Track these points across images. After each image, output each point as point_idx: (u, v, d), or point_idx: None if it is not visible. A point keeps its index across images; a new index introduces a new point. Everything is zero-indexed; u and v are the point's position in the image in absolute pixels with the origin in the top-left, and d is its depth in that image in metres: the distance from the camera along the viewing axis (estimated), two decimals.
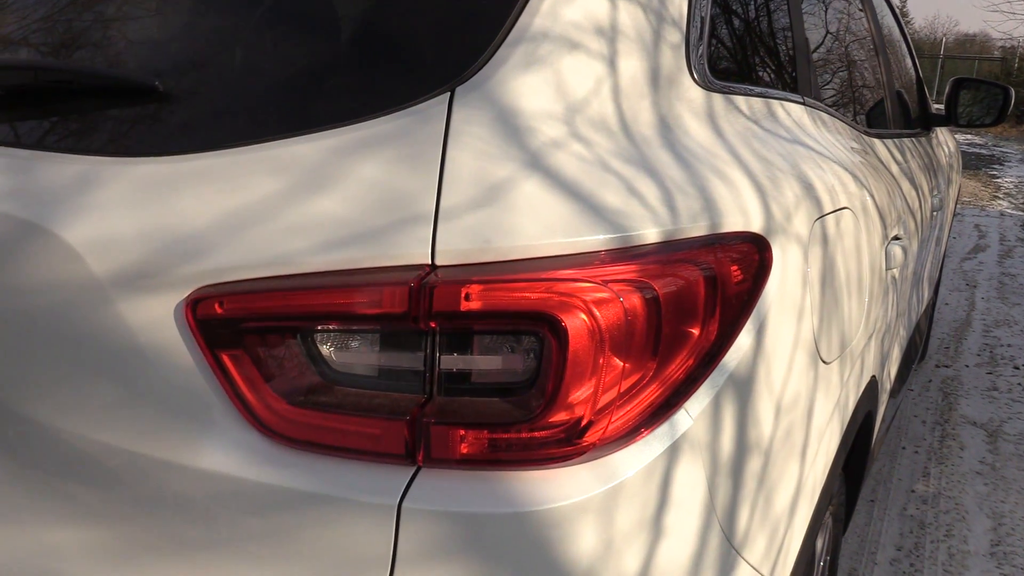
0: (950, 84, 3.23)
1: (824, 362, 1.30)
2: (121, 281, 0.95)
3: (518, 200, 0.91)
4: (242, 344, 0.93)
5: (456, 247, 0.88)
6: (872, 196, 1.64)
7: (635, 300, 0.92)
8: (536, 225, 0.90)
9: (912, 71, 3.24)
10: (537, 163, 0.93)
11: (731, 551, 1.06)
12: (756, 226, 1.11)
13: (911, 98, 3.00)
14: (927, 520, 2.81)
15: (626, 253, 0.94)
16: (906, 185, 2.21)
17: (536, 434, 0.89)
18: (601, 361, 0.90)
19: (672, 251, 0.97)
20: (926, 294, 3.05)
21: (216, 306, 0.93)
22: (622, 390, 0.92)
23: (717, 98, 1.25)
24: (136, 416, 0.97)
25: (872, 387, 1.69)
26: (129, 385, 0.97)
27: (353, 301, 0.89)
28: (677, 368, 0.97)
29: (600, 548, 0.91)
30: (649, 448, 0.94)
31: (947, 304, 5.19)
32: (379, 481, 0.90)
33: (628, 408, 0.93)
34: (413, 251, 0.89)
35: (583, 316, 0.88)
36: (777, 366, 1.12)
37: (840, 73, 2.13)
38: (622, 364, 0.92)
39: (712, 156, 1.14)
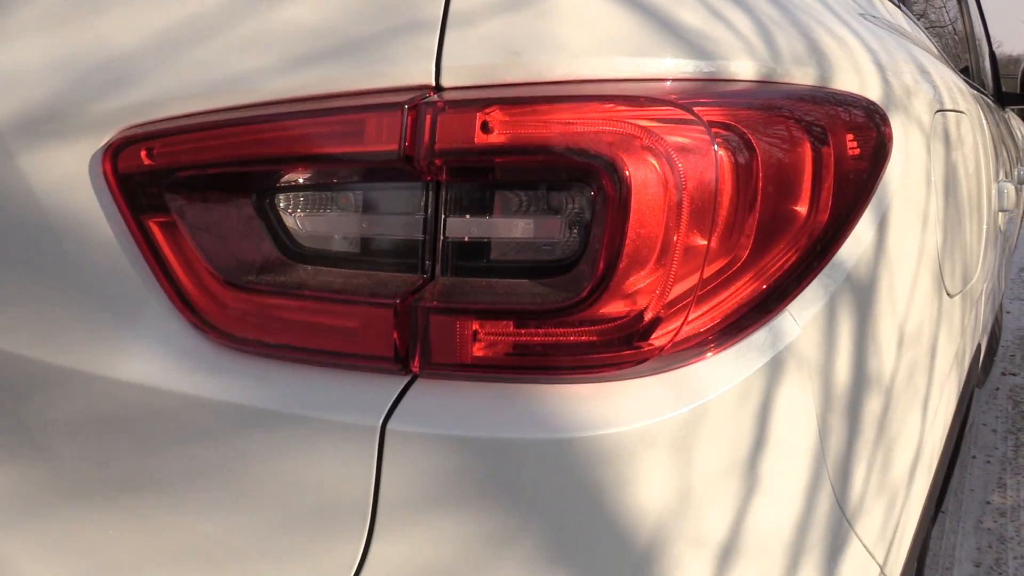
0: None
1: (948, 294, 1.01)
2: (22, 128, 0.70)
3: (560, 2, 0.64)
4: (176, 207, 0.67)
5: (470, 61, 0.62)
6: (984, 120, 1.36)
7: (724, 152, 0.64)
8: (585, 36, 0.63)
9: (987, 45, 2.98)
10: None
11: (843, 522, 0.77)
12: (873, 94, 0.83)
13: (990, 70, 2.74)
14: (1007, 534, 2.48)
15: (712, 88, 0.67)
16: (999, 142, 1.92)
17: (580, 331, 0.62)
18: (675, 234, 0.62)
19: (773, 96, 0.70)
20: (1003, 284, 2.74)
21: (143, 155, 0.67)
22: (704, 277, 0.65)
23: None
24: (41, 313, 0.71)
25: (977, 357, 1.39)
26: (33, 271, 0.71)
27: (325, 138, 0.63)
28: (779, 256, 0.69)
29: (672, 499, 0.63)
30: (742, 361, 0.66)
31: (1008, 312, 4.86)
32: (357, 394, 0.63)
33: (712, 303, 0.65)
34: (410, 67, 0.62)
35: (653, 163, 0.61)
36: (901, 279, 0.84)
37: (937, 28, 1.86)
38: (704, 241, 0.64)
39: (816, 9, 0.87)
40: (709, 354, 0.65)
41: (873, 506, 0.83)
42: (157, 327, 0.68)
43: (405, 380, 0.63)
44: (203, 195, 0.67)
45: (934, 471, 1.02)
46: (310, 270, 0.65)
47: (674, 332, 0.63)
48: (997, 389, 3.66)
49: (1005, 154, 2.06)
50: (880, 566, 0.88)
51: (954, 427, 1.14)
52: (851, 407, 0.76)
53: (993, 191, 1.37)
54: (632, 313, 0.62)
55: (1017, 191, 2.69)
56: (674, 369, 0.64)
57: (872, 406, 0.80)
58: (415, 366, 0.62)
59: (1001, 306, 3.49)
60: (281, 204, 0.66)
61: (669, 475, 0.62)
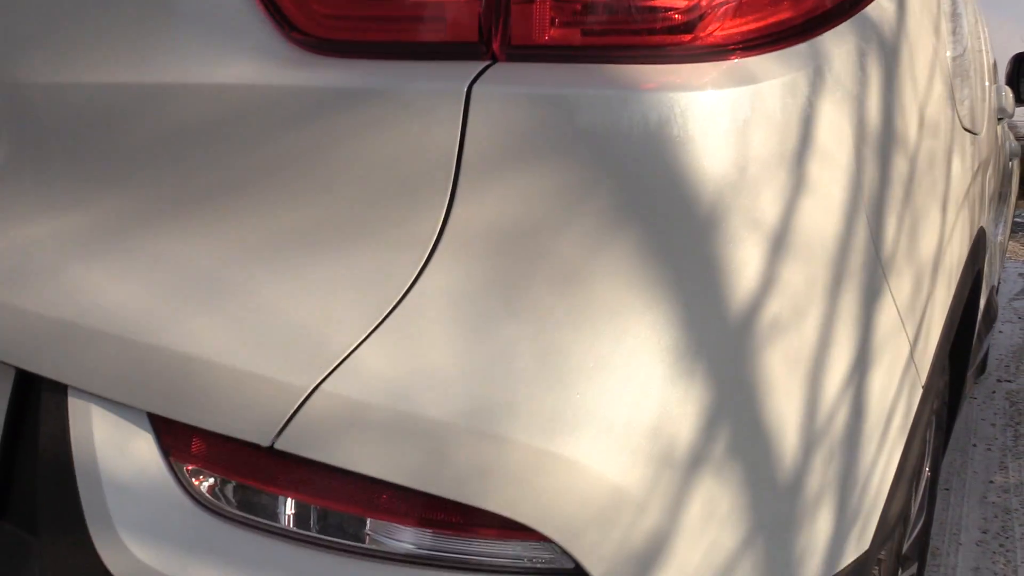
0: (1011, 61, 3.11)
1: (961, 123, 1.09)
2: None
3: None
4: None
5: None
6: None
7: None
8: None
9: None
10: None
11: (878, 266, 0.83)
12: None
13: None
14: (1012, 506, 2.51)
15: None
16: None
17: (647, 16, 0.69)
18: None
19: None
20: (998, 269, 2.82)
21: None
22: None
23: None
24: (134, 40, 0.77)
25: (981, 240, 1.45)
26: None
27: None
28: None
29: (731, 171, 0.68)
30: (789, 64, 0.73)
31: (1001, 332, 4.95)
32: (442, 70, 0.69)
33: (760, 13, 0.73)
34: None
35: None
36: (921, 71, 0.91)
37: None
38: None
39: None
40: (759, 53, 0.72)
41: (904, 270, 0.88)
42: (250, 35, 0.74)
43: (487, 62, 0.69)
44: None
45: (953, 292, 1.08)
46: None
47: (728, 28, 0.70)
48: (994, 392, 3.72)
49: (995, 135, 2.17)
50: (911, 344, 0.93)
51: (964, 283, 1.20)
52: (882, 155, 0.82)
53: (993, 95, 1.47)
54: (691, 5, 0.69)
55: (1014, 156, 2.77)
56: (729, 59, 0.71)
57: (900, 166, 0.86)
58: (496, 47, 0.69)
59: (995, 288, 3.53)
60: None
61: (727, 146, 0.68)
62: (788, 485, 0.76)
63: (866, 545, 0.91)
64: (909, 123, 0.88)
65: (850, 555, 0.88)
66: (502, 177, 0.67)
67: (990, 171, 1.48)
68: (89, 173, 0.81)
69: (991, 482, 2.70)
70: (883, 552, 1.04)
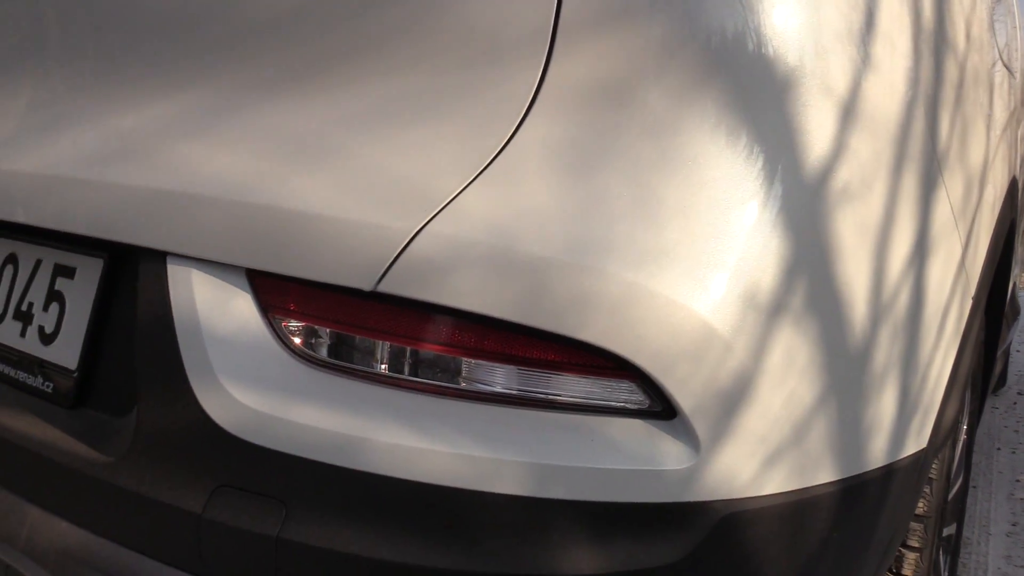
0: None
1: (1000, 53, 1.14)
2: None
3: None
4: None
5: None
6: None
7: None
8: None
9: None
10: None
11: (934, 158, 0.87)
12: None
13: None
14: None
15: None
16: None
17: None
18: None
19: None
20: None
21: None
22: None
23: None
24: None
25: (1015, 189, 1.49)
26: None
27: None
28: None
29: (807, 39, 0.73)
30: None
31: (1018, 351, 4.98)
32: None
33: None
34: None
35: None
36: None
37: None
38: None
39: None
40: None
41: (957, 170, 0.93)
42: None
43: None
44: None
45: (996, 219, 1.12)
46: None
47: None
48: (1015, 404, 3.73)
49: None
50: (962, 248, 0.97)
51: (1003, 220, 1.24)
52: (936, 55, 0.87)
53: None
54: None
55: None
56: None
57: (951, 70, 0.91)
58: None
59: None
60: None
61: (804, 12, 0.73)
62: (858, 353, 0.80)
63: (924, 443, 0.94)
64: (958, 33, 0.94)
65: (910, 447, 0.91)
66: (597, 36, 0.72)
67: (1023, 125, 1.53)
68: (197, 52, 0.86)
69: (1017, 481, 2.70)
70: (935, 465, 1.06)
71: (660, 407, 0.71)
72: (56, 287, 0.96)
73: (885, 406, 0.84)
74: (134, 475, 0.78)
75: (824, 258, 0.76)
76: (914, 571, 1.05)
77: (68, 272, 0.95)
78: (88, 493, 0.81)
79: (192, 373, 0.76)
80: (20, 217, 0.94)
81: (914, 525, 1.05)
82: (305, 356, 0.76)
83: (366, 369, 0.74)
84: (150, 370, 0.79)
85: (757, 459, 0.73)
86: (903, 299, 0.85)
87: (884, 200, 0.82)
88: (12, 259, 1.03)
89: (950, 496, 1.38)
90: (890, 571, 1.05)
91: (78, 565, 0.80)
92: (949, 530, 1.47)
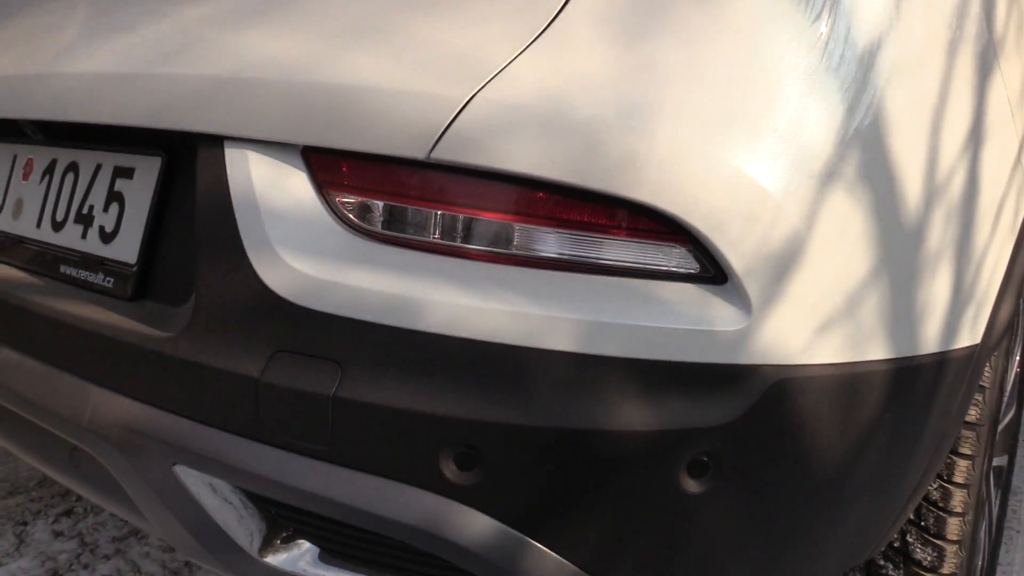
0: None
1: None
2: None
3: None
4: None
5: None
6: None
7: None
8: None
9: None
10: None
11: (991, 44, 0.86)
12: None
13: None
14: None
15: None
16: None
17: None
18: None
19: None
20: None
21: None
22: None
23: None
24: None
25: None
26: None
27: None
28: None
29: None
30: None
31: None
32: None
33: None
34: None
35: None
36: None
37: None
38: None
39: None
40: None
41: (1014, 60, 0.91)
42: None
43: None
44: None
45: None
46: None
47: None
48: None
49: None
50: (1019, 144, 0.95)
51: None
52: None
53: None
54: None
55: None
56: None
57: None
58: None
59: None
60: None
61: None
62: (911, 230, 0.79)
63: (977, 338, 0.92)
64: None
65: (963, 340, 0.90)
66: None
67: None
68: None
69: None
70: (988, 373, 1.05)
71: (712, 272, 0.72)
72: (116, 188, 0.99)
73: (938, 290, 0.83)
74: (194, 347, 0.80)
75: (877, 130, 0.75)
76: (965, 479, 1.03)
77: (127, 173, 0.98)
78: (148, 369, 0.83)
79: (250, 246, 0.78)
80: (78, 116, 0.96)
81: (966, 432, 1.04)
82: (359, 228, 0.77)
83: (420, 238, 0.75)
84: (209, 247, 0.81)
85: (809, 327, 0.73)
86: (957, 182, 0.84)
87: (939, 79, 0.81)
88: (73, 167, 1.06)
89: (1001, 425, 1.36)
90: (940, 477, 1.04)
91: (141, 437, 0.83)
92: (1000, 461, 1.44)
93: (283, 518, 0.83)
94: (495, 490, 0.71)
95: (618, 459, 0.69)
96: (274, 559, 0.82)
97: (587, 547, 0.73)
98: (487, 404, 0.69)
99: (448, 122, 0.72)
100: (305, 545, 0.83)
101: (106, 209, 1.00)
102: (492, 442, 0.69)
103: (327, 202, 0.79)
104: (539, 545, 0.73)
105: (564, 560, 0.73)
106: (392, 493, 0.72)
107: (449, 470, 0.71)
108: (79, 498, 1.78)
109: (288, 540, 0.83)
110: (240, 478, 0.78)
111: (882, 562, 1.08)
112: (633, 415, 0.69)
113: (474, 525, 0.71)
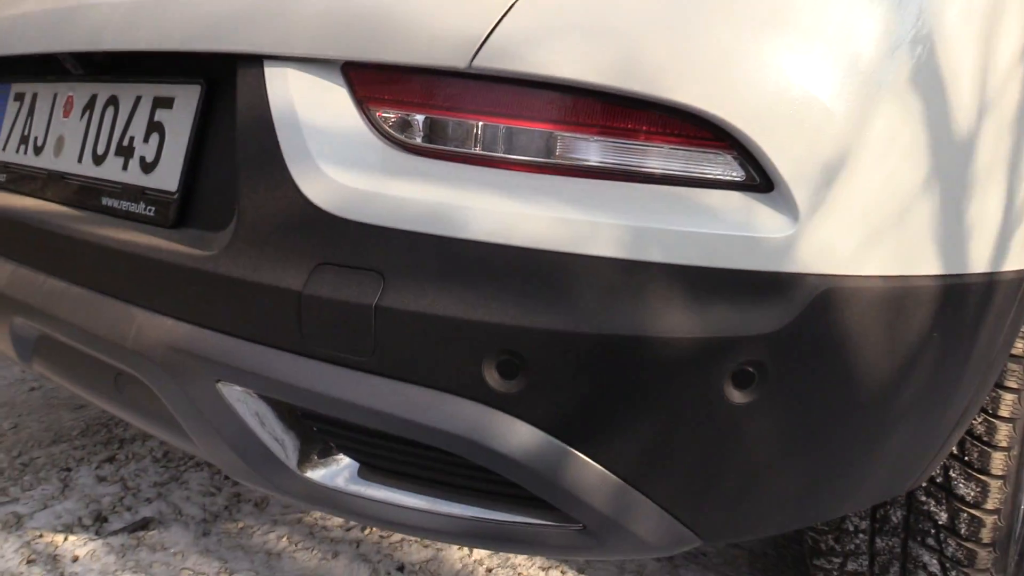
0: None
1: None
2: None
3: None
4: None
5: None
6: None
7: None
8: None
9: None
10: None
11: None
12: None
13: None
14: None
15: None
16: None
17: None
18: None
19: None
20: None
21: None
22: None
23: None
24: None
25: None
26: None
27: None
28: None
29: None
30: None
31: None
32: None
33: None
34: None
35: None
36: None
37: None
38: None
39: None
40: None
41: None
42: None
43: None
44: None
45: None
46: None
47: None
48: None
49: None
50: None
51: None
52: None
53: None
54: None
55: None
56: None
57: None
58: None
59: None
60: None
61: None
62: (962, 142, 0.77)
63: None
64: None
65: (1013, 262, 0.88)
66: None
67: None
68: None
69: None
70: None
71: (758, 180, 0.70)
72: (156, 119, 1.00)
73: (990, 208, 0.82)
74: (236, 264, 0.80)
75: (930, 38, 0.73)
76: (1011, 412, 1.02)
77: (167, 103, 0.99)
78: (191, 289, 0.84)
79: (292, 162, 0.78)
80: (116, 44, 0.97)
81: (1012, 365, 1.02)
82: (400, 142, 0.77)
83: (461, 150, 0.75)
84: (251, 166, 0.81)
85: (856, 236, 0.72)
86: (1009, 98, 0.82)
87: None
88: (112, 101, 1.07)
89: None
90: (984, 411, 1.02)
91: (184, 355, 0.84)
92: None
93: (323, 432, 0.84)
94: (538, 398, 0.71)
95: (663, 367, 0.69)
96: (313, 474, 0.83)
97: (629, 458, 0.73)
98: (530, 311, 0.69)
99: (489, 30, 0.71)
100: (344, 461, 0.84)
101: (146, 140, 1.00)
102: (535, 349, 0.69)
103: (368, 117, 0.78)
104: (582, 455, 0.72)
105: (607, 471, 0.73)
106: (435, 402, 0.72)
107: (492, 378, 0.71)
108: (121, 445, 1.82)
109: (327, 455, 0.84)
110: (283, 392, 0.79)
111: (924, 498, 1.07)
112: (678, 322, 0.68)
113: (517, 434, 0.71)
